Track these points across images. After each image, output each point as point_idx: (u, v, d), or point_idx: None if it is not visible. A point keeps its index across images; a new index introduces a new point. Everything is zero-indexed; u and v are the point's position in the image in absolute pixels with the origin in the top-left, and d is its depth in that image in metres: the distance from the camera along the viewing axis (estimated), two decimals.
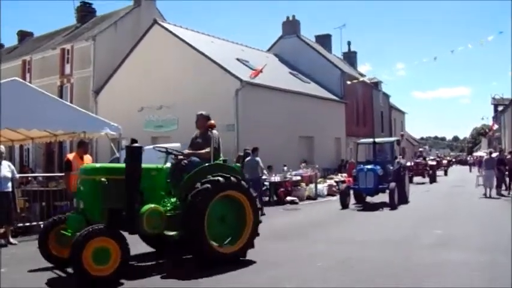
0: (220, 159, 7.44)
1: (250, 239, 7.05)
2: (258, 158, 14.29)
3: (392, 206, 14.45)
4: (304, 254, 7.82)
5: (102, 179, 6.22)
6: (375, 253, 7.80)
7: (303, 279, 6.15)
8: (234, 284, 5.92)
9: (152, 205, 6.37)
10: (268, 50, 35.26)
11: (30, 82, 25.21)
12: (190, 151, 7.41)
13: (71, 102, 23.33)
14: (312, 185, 19.18)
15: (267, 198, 16.86)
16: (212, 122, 7.66)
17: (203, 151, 7.28)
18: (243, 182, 7.07)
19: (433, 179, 28.62)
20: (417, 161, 30.90)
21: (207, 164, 7.03)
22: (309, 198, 18.47)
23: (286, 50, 34.25)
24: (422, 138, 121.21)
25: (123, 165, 6.50)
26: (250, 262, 7.18)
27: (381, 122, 42.99)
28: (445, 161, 44.19)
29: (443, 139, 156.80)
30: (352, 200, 15.82)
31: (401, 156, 18.53)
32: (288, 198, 17.32)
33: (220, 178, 6.72)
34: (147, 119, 24.17)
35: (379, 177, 15.21)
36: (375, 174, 15.16)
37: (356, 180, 15.74)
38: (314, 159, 26.09)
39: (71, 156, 9.54)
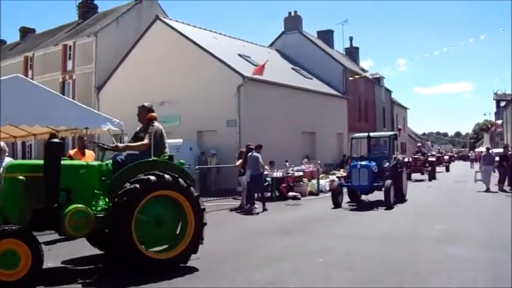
0: (165, 155, 6.85)
1: (191, 243, 6.34)
2: (257, 154, 14.25)
3: (388, 205, 13.53)
4: (306, 250, 7.80)
5: (20, 177, 5.72)
6: (376, 249, 7.79)
7: (305, 275, 6.13)
8: (236, 280, 5.91)
9: (78, 205, 5.87)
10: (270, 45, 35.17)
11: (32, 78, 25.22)
12: (125, 144, 6.98)
13: (73, 98, 23.31)
14: (314, 181, 19.17)
15: (269, 194, 16.85)
16: (153, 114, 7.02)
17: (138, 143, 6.78)
18: (181, 181, 6.29)
19: (432, 176, 27.15)
20: (415, 156, 28.81)
21: (141, 161, 6.42)
22: (311, 193, 18.47)
23: (288, 46, 34.16)
24: (424, 134, 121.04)
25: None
26: (252, 258, 7.19)
27: (383, 118, 42.92)
28: (446, 157, 43.86)
29: (445, 135, 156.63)
30: (346, 198, 15.22)
31: (398, 152, 17.54)
32: (290, 193, 17.33)
33: (151, 177, 6.06)
34: None
35: (374, 174, 14.36)
36: (369, 171, 14.28)
37: (349, 178, 14.94)
38: (316, 155, 26.08)
39: (72, 152, 9.56)
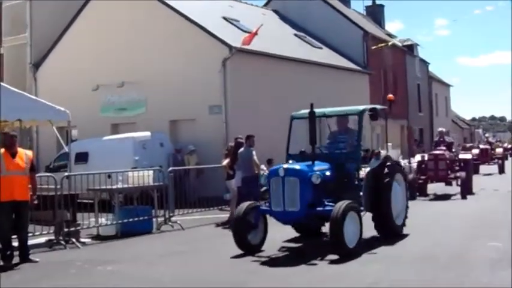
0: None
1: None
2: (250, 150, 14.24)
3: (340, 250, 8.98)
4: (322, 278, 7.89)
5: None
6: (415, 274, 7.89)
7: None
8: None
9: None
10: (266, 4, 35.23)
11: None
12: None
13: (1, 79, 23.28)
14: None
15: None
16: None
17: None
18: None
19: (466, 189, 18.96)
20: (436, 152, 20.21)
21: None
22: None
23: (289, 5, 34.20)
24: (474, 119, 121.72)
25: None
26: None
27: (418, 98, 43.11)
28: (499, 150, 41.42)
29: (502, 119, 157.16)
30: (286, 233, 11.34)
31: (390, 144, 13.00)
32: None
33: None
34: (104, 101, 24.14)
35: (317, 190, 9.77)
36: (304, 182, 9.67)
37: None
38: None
39: None
